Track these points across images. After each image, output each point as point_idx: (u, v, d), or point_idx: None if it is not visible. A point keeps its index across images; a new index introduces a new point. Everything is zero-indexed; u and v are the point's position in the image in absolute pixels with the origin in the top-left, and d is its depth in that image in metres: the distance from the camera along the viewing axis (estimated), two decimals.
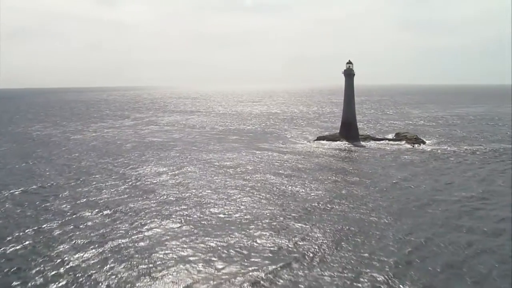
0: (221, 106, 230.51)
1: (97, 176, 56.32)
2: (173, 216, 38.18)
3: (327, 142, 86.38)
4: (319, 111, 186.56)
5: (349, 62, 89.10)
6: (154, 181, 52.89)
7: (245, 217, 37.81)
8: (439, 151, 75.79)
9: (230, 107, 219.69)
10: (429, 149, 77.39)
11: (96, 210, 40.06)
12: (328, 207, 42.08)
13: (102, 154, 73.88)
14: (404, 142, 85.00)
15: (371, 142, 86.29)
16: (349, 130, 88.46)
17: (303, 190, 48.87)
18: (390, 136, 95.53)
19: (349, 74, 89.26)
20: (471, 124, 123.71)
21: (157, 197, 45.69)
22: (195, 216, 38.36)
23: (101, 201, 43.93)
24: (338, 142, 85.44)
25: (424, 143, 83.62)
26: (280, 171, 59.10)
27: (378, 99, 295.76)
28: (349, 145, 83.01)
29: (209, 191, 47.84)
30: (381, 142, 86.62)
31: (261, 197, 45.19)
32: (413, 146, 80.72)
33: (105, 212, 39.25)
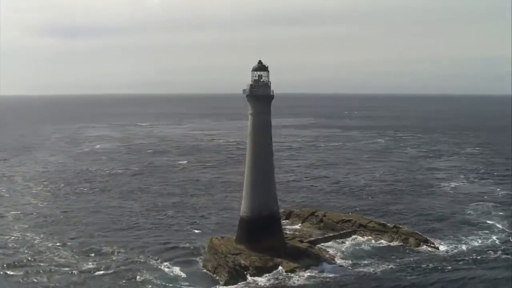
0: None
1: None
2: None
3: (252, 278, 33.74)
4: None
5: (261, 67, 35.81)
6: None
7: None
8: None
9: None
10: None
11: None
12: None
13: None
14: (380, 236, 39.91)
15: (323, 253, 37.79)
16: (265, 232, 36.88)
17: None
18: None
19: (263, 97, 35.93)
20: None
21: None
22: None
23: None
24: (263, 278, 33.84)
25: (428, 242, 39.63)
26: None
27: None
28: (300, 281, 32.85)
29: None
30: (336, 244, 39.46)
31: None
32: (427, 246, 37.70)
33: None
